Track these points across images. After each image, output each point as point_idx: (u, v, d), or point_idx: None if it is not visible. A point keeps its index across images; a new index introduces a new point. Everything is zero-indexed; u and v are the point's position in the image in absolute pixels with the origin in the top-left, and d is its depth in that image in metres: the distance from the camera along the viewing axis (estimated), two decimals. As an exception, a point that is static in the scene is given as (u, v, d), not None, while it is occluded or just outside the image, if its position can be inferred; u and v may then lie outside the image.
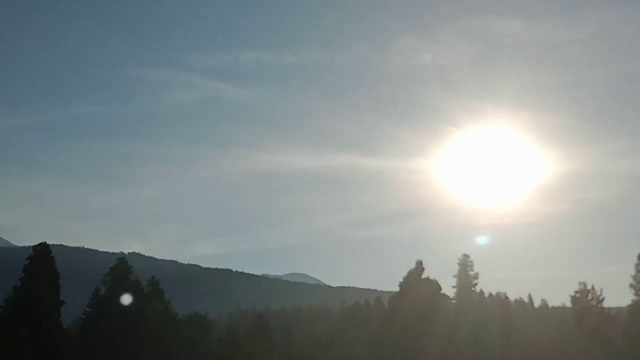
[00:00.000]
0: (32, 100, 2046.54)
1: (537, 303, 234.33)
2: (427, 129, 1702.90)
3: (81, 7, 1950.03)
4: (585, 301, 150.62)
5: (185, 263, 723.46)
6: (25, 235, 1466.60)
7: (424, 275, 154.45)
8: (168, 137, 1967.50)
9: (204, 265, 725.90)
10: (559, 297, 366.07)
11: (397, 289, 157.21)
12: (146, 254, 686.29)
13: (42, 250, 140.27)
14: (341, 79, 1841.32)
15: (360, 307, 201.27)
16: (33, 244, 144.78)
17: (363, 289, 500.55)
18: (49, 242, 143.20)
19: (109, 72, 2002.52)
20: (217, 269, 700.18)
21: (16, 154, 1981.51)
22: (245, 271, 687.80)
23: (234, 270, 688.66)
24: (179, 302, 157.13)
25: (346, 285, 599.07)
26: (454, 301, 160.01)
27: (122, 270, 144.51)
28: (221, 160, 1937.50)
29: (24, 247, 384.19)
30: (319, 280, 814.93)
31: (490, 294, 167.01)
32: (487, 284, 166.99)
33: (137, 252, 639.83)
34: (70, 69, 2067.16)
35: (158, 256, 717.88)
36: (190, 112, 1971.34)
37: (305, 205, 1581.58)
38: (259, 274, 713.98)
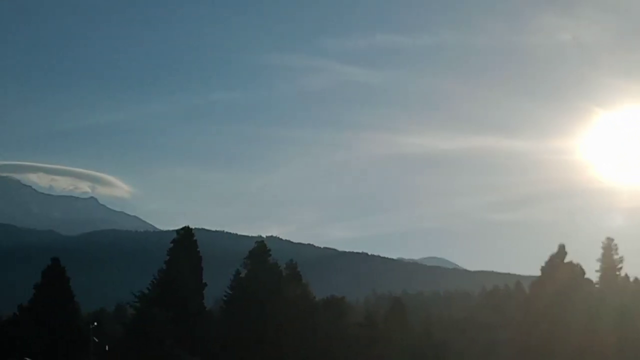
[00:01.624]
0: (172, 88, 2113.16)
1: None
2: (568, 108, 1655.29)
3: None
4: None
5: (322, 246, 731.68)
6: (169, 220, 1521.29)
7: (566, 259, 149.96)
8: (304, 122, 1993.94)
9: (340, 249, 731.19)
10: None
11: (538, 273, 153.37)
12: (283, 238, 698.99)
13: (186, 234, 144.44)
14: (478, 59, 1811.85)
15: (499, 291, 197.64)
16: (176, 228, 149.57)
17: (502, 273, 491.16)
18: (192, 226, 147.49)
19: (246, 58, 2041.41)
20: (353, 252, 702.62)
21: (158, 142, 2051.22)
22: (381, 255, 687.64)
23: (369, 253, 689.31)
24: (316, 286, 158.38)
25: (485, 269, 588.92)
26: (597, 286, 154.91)
27: (261, 253, 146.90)
28: (357, 143, 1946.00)
29: (168, 231, 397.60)
30: (457, 264, 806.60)
31: (636, 279, 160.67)
32: (632, 268, 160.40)
33: (274, 235, 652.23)
34: (207, 56, 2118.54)
35: (295, 239, 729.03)
36: (325, 97, 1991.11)
37: (442, 187, 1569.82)
38: (395, 258, 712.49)
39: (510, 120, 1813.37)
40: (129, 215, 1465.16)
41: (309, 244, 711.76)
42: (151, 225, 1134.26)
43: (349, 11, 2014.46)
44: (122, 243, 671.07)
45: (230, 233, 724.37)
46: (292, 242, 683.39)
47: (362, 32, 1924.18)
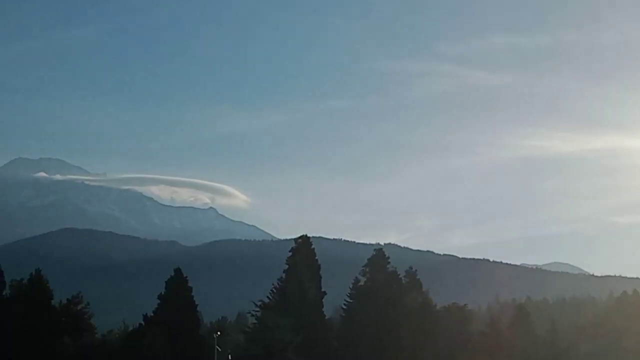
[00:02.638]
0: (288, 97, 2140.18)
1: None
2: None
3: (330, 4, 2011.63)
4: None
5: (442, 253, 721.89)
6: (287, 228, 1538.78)
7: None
8: (422, 128, 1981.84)
9: (460, 255, 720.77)
10: None
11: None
12: (402, 245, 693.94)
13: (304, 243, 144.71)
14: (600, 57, 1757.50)
15: (628, 297, 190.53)
16: (294, 236, 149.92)
17: (631, 277, 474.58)
18: (309, 234, 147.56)
19: (362, 65, 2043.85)
20: (474, 259, 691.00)
21: (275, 151, 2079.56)
22: (504, 261, 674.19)
23: (491, 260, 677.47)
24: (436, 293, 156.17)
25: (612, 274, 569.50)
26: None
27: (380, 261, 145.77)
28: (475, 147, 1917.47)
29: (286, 240, 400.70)
30: (582, 270, 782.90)
31: None
32: None
33: (393, 242, 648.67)
34: (323, 65, 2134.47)
35: (414, 247, 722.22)
36: (443, 101, 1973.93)
37: (565, 191, 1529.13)
38: (518, 264, 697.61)
39: (636, 119, 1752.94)
40: (247, 224, 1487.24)
41: (428, 251, 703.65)
42: (269, 234, 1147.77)
43: (463, 13, 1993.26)
44: (241, 252, 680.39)
45: (348, 241, 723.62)
46: (411, 250, 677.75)
47: (478, 34, 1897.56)
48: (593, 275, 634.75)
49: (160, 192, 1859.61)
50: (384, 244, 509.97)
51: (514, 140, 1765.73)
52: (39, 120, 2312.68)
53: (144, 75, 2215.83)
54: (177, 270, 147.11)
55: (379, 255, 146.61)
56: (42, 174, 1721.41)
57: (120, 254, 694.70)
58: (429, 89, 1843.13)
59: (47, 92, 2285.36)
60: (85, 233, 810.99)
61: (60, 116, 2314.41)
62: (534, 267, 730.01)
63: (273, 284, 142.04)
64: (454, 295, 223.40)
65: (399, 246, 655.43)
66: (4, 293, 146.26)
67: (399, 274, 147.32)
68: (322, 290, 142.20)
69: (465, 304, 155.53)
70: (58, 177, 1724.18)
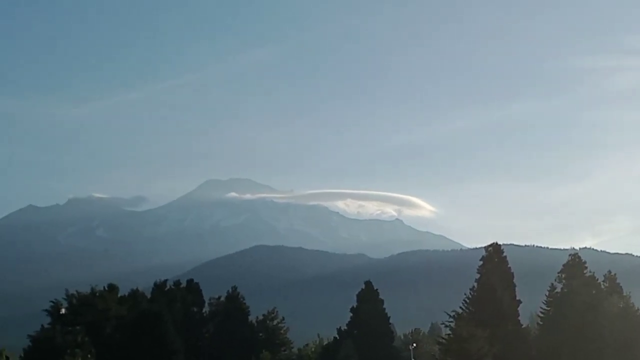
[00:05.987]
0: (471, 103, 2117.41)
1: None
2: None
3: (514, 3, 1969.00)
4: None
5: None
6: (476, 237, 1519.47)
7: None
8: (613, 125, 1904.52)
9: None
10: None
11: None
12: (598, 249, 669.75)
13: (495, 251, 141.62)
14: None
15: None
16: (484, 245, 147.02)
17: None
18: (499, 242, 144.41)
19: (548, 64, 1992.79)
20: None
21: (460, 159, 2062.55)
22: None
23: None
24: (638, 298, 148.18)
25: None
26: None
27: (576, 266, 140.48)
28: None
29: (475, 249, 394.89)
30: None
31: None
32: None
33: (589, 247, 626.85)
34: (507, 66, 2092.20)
35: (611, 250, 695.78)
36: (635, 97, 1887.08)
37: None
38: None
39: None
40: (434, 234, 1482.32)
41: (627, 254, 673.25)
42: (458, 243, 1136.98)
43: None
44: (430, 263, 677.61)
45: (540, 247, 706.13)
46: (608, 253, 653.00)
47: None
48: None
49: (347, 207, 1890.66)
50: (580, 248, 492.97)
51: None
52: (226, 142, 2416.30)
53: (324, 91, 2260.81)
54: (368, 283, 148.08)
55: (575, 260, 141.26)
56: (233, 194, 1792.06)
57: (311, 269, 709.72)
58: (618, 85, 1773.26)
59: (232, 115, 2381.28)
60: (276, 249, 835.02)
61: (246, 137, 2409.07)
62: None
63: (465, 294, 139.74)
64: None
65: (596, 250, 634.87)
66: (203, 310, 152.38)
67: (597, 279, 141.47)
68: (517, 298, 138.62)
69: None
70: (248, 196, 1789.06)
